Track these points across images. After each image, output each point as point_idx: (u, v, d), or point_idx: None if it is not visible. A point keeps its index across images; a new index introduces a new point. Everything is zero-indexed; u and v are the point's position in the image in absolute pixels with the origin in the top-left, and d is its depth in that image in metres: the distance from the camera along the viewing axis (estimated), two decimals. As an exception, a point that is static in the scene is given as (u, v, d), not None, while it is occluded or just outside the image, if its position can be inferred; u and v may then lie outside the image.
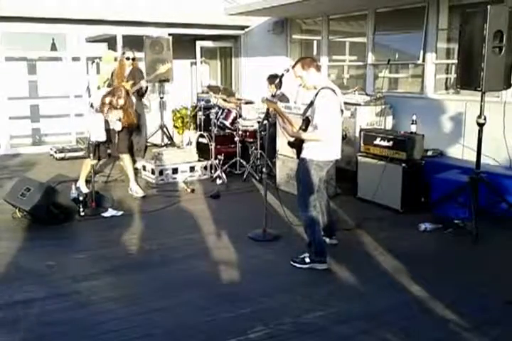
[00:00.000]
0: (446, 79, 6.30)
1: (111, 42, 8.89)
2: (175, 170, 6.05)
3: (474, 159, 4.31)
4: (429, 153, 5.50)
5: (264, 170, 4.43)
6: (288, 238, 4.15)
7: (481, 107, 4.15)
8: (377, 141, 5.09)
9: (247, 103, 6.75)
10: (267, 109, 4.20)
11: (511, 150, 4.81)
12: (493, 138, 4.77)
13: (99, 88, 8.15)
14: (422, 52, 6.09)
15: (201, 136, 6.69)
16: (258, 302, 3.03)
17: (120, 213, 4.77)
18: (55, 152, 7.42)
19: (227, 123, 6.39)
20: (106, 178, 6.05)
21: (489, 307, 3.00)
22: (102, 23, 7.89)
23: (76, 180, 5.74)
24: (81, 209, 4.64)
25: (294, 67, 3.64)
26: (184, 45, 8.69)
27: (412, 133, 5.06)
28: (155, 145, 7.64)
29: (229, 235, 4.20)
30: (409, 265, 3.61)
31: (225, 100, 6.49)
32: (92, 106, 5.30)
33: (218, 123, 6.35)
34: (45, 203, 4.31)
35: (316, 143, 3.51)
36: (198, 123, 6.99)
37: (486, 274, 3.49)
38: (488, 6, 3.86)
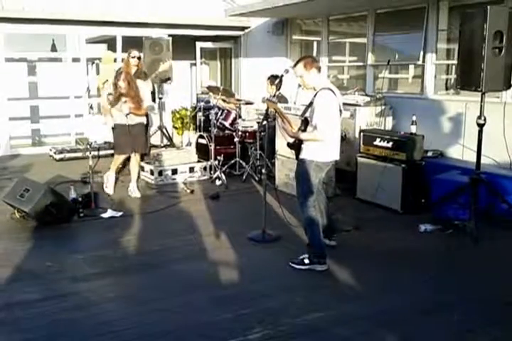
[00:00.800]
0: (447, 79, 6.29)
1: (111, 43, 8.89)
2: (174, 171, 6.05)
3: (474, 160, 4.30)
4: (429, 154, 5.49)
5: (263, 170, 4.42)
6: (287, 239, 4.14)
7: (480, 108, 4.14)
8: (377, 142, 5.08)
9: (246, 104, 6.75)
10: (267, 110, 4.20)
11: (511, 150, 4.79)
12: (493, 139, 4.76)
13: (98, 89, 8.18)
14: (422, 53, 6.08)
15: (201, 136, 6.69)
16: (257, 304, 3.02)
17: (119, 214, 4.77)
18: (55, 153, 7.41)
19: (227, 123, 6.39)
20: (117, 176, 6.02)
21: (489, 308, 2.99)
22: (101, 24, 7.89)
23: (75, 181, 5.76)
24: (80, 210, 4.63)
25: (295, 66, 3.64)
26: (184, 45, 8.68)
27: (411, 133, 5.05)
28: (154, 146, 7.62)
29: (228, 236, 4.19)
30: (409, 266, 3.60)
31: (224, 101, 6.49)
32: (91, 107, 5.30)
33: (218, 123, 6.34)
34: (44, 204, 4.30)
35: (314, 144, 3.50)
36: (198, 123, 6.99)
37: (486, 275, 3.47)
38: (488, 7, 3.86)
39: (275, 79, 6.24)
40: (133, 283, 3.36)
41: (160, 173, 5.97)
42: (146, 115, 5.57)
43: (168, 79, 7.47)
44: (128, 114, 5.11)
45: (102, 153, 7.09)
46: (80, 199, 4.73)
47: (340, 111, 3.60)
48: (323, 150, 3.52)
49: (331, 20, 7.63)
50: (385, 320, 2.85)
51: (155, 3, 8.14)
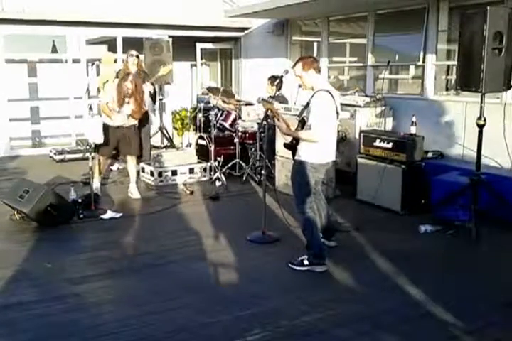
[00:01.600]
0: (447, 80, 6.29)
1: (111, 44, 8.89)
2: (174, 172, 6.04)
3: (474, 161, 4.29)
4: (429, 155, 5.47)
5: (263, 171, 4.42)
6: (287, 240, 4.14)
7: (480, 108, 4.13)
8: (377, 143, 5.07)
9: (246, 104, 6.74)
10: (266, 111, 4.20)
11: (511, 151, 4.78)
12: (494, 140, 4.75)
13: (99, 90, 8.17)
14: (422, 54, 6.08)
15: (201, 137, 6.68)
16: (256, 305, 3.02)
17: (119, 215, 4.76)
18: (55, 154, 7.42)
19: (227, 124, 6.38)
20: (105, 180, 6.03)
21: (489, 309, 2.98)
22: (102, 25, 7.90)
23: (75, 182, 5.75)
24: (80, 211, 4.62)
25: (294, 66, 3.64)
26: (184, 46, 8.69)
27: (411, 134, 5.05)
28: (154, 146, 7.63)
29: (228, 237, 4.19)
30: (409, 267, 3.59)
31: (224, 102, 6.49)
32: (91, 108, 5.29)
33: (218, 124, 6.34)
34: (43, 205, 4.29)
35: (309, 145, 3.49)
36: (198, 124, 6.99)
37: (486, 276, 3.47)
38: (488, 7, 3.85)
39: (275, 80, 6.25)
40: (132, 284, 3.36)
41: (160, 174, 5.97)
42: (145, 116, 5.58)
43: (168, 83, 7.48)
44: (129, 115, 5.12)
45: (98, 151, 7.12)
46: (79, 200, 4.73)
47: (337, 113, 3.58)
48: (318, 151, 3.51)
49: (331, 21, 7.63)
50: (384, 321, 2.84)
51: (155, 4, 8.14)
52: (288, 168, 5.51)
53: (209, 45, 9.50)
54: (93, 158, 5.00)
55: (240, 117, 6.46)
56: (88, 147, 5.05)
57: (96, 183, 5.28)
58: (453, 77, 6.00)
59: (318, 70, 3.65)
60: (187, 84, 10.00)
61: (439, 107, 5.82)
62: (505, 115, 4.60)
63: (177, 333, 2.72)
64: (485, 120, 4.15)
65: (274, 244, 4.07)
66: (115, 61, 7.96)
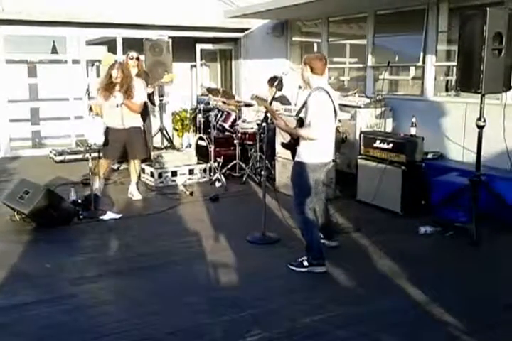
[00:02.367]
0: (447, 81, 6.29)
1: (111, 45, 8.89)
2: (174, 173, 6.04)
3: (474, 161, 4.29)
4: (429, 156, 5.48)
5: (263, 172, 4.42)
6: (287, 241, 4.13)
7: (480, 109, 4.13)
8: (377, 144, 5.07)
9: (246, 105, 6.75)
10: (266, 112, 4.20)
11: (511, 152, 4.78)
12: (494, 141, 4.75)
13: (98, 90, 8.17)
14: (421, 55, 6.08)
15: (200, 138, 6.68)
16: (256, 306, 3.01)
17: (119, 216, 4.76)
18: (55, 155, 7.41)
19: (227, 125, 6.38)
20: (105, 181, 6.03)
21: (489, 310, 2.98)
22: (102, 26, 7.90)
23: (75, 183, 5.75)
24: (80, 212, 4.62)
25: (307, 59, 3.60)
26: (184, 47, 8.69)
27: (411, 135, 5.05)
28: (155, 147, 7.63)
29: (228, 238, 4.19)
30: (409, 268, 3.59)
31: (224, 102, 6.49)
32: (91, 109, 5.28)
33: (217, 125, 6.34)
34: (43, 206, 4.29)
35: (309, 146, 3.49)
36: (198, 125, 6.98)
37: (486, 277, 3.47)
38: (488, 8, 3.85)
39: (274, 81, 6.27)
40: (132, 284, 3.35)
41: (160, 175, 5.97)
42: (144, 118, 5.53)
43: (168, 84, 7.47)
44: (121, 104, 4.96)
45: (101, 155, 7.11)
46: (79, 201, 4.73)
47: (335, 112, 3.56)
48: (316, 151, 3.51)
49: (330, 22, 7.64)
50: (385, 322, 2.84)
51: (155, 5, 8.14)
52: (288, 168, 5.51)
53: (209, 46, 9.50)
54: (93, 158, 4.99)
55: (239, 118, 6.46)
56: (88, 148, 5.05)
57: (96, 184, 5.23)
58: (453, 77, 6.00)
59: (321, 70, 3.55)
60: (187, 85, 9.99)
61: (439, 108, 5.82)
62: (505, 116, 4.61)
63: (177, 334, 2.72)
64: (485, 121, 4.15)
65: (274, 244, 4.07)
66: (115, 62, 7.95)
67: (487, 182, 4.25)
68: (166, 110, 8.52)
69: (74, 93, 8.08)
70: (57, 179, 6.05)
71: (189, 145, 7.83)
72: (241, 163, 6.27)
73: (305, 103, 3.51)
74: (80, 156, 7.26)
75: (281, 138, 3.95)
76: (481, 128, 4.17)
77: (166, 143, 7.81)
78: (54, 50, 10.54)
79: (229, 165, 6.22)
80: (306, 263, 3.54)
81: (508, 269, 3.63)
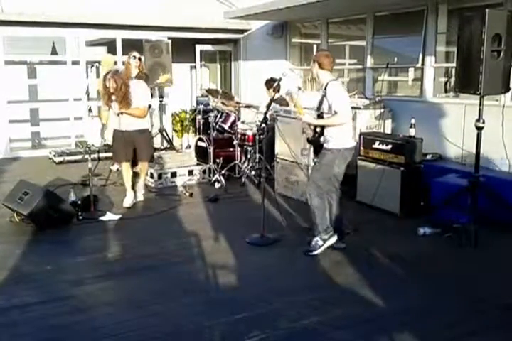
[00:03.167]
0: (446, 82, 6.30)
1: (110, 45, 8.90)
2: (174, 174, 6.04)
3: (473, 163, 4.30)
4: (428, 157, 5.48)
5: (262, 173, 4.42)
6: (286, 242, 4.14)
7: (479, 111, 4.14)
8: (376, 145, 5.08)
9: (246, 106, 6.75)
10: (265, 113, 4.21)
11: (510, 153, 4.79)
12: (492, 142, 4.76)
13: (98, 92, 8.17)
14: (421, 56, 6.09)
15: (200, 139, 6.69)
16: (255, 307, 3.02)
17: (118, 217, 4.76)
18: (55, 156, 7.41)
19: (226, 126, 6.39)
20: (104, 182, 6.04)
21: (488, 312, 2.98)
22: (101, 27, 7.91)
23: (75, 184, 5.75)
24: (79, 213, 4.62)
25: (315, 56, 3.87)
26: (184, 48, 8.70)
27: (410, 136, 5.05)
28: (154, 148, 7.63)
29: (227, 239, 4.19)
30: (408, 270, 3.60)
31: (223, 103, 6.49)
32: (90, 110, 5.28)
33: (217, 126, 6.35)
34: (43, 207, 4.29)
35: (337, 132, 3.73)
36: (197, 126, 6.99)
37: (485, 278, 3.47)
38: (487, 10, 3.85)
39: (272, 83, 6.30)
40: (132, 286, 3.36)
41: (159, 176, 5.97)
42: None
43: (167, 85, 7.48)
44: (121, 114, 4.93)
45: (101, 155, 7.12)
46: (79, 202, 4.72)
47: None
48: (345, 136, 3.79)
49: (330, 23, 7.65)
50: (384, 324, 2.84)
51: (155, 6, 8.15)
52: (287, 169, 5.53)
53: (208, 47, 9.51)
54: (93, 159, 4.97)
55: (239, 119, 6.47)
56: (88, 149, 5.05)
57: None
58: (452, 79, 6.01)
59: (329, 66, 3.82)
60: (186, 86, 10.00)
61: (438, 109, 5.83)
62: (504, 117, 4.62)
63: (176, 335, 2.73)
64: (484, 122, 4.16)
65: (273, 246, 4.07)
66: (115, 63, 7.96)
67: (486, 184, 4.25)
68: (166, 111, 8.52)
69: (73, 94, 8.10)
70: (56, 180, 6.05)
71: (189, 146, 7.84)
72: (240, 164, 6.28)
73: (323, 96, 3.75)
74: (79, 157, 7.27)
75: (305, 134, 4.14)
76: (479, 129, 4.18)
77: (165, 144, 7.82)
78: (54, 51, 10.52)
79: (228, 166, 6.23)
80: (320, 242, 3.80)
81: (507, 270, 3.63)
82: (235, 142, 6.26)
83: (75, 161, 7.23)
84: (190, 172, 6.16)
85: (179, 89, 8.85)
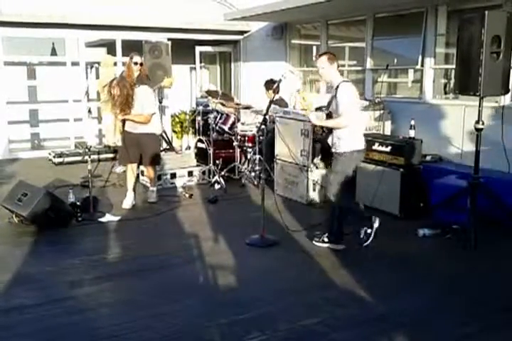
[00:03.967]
0: (445, 84, 6.30)
1: (110, 46, 8.90)
2: (173, 175, 6.04)
3: (473, 164, 4.30)
4: (428, 158, 5.49)
5: (262, 175, 4.42)
6: (286, 243, 4.13)
7: (479, 112, 4.14)
8: (376, 146, 5.08)
9: (245, 108, 6.75)
10: (265, 115, 4.21)
11: (509, 154, 4.79)
12: (492, 143, 4.76)
13: (98, 93, 8.17)
14: (420, 57, 6.10)
15: (200, 140, 6.69)
16: (255, 308, 3.02)
17: (117, 218, 4.76)
18: (54, 157, 7.41)
19: (226, 128, 6.38)
20: (104, 183, 6.03)
21: (488, 313, 2.98)
22: (101, 28, 7.91)
23: (74, 185, 5.74)
24: (79, 214, 4.61)
25: (319, 57, 3.92)
26: (183, 49, 8.70)
27: (410, 138, 5.06)
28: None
29: (227, 240, 4.19)
30: (408, 271, 3.60)
31: (223, 105, 6.50)
32: (89, 111, 5.27)
33: (217, 128, 6.34)
34: (42, 208, 4.29)
35: (347, 135, 3.78)
36: (197, 128, 6.99)
37: (485, 280, 3.47)
38: (486, 12, 3.86)
39: (271, 85, 6.30)
40: (131, 287, 3.35)
41: (159, 177, 5.96)
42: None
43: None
44: (124, 120, 4.95)
45: (101, 157, 7.13)
46: (78, 203, 4.72)
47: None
48: (356, 138, 3.84)
49: (329, 25, 7.66)
50: (383, 325, 2.84)
51: (155, 7, 8.16)
52: (287, 171, 5.53)
53: (208, 48, 9.52)
54: (92, 160, 4.96)
55: (238, 120, 6.46)
56: (88, 150, 5.05)
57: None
58: (452, 80, 6.02)
59: (334, 63, 3.89)
60: (186, 87, 10.01)
61: (438, 111, 5.84)
62: (504, 118, 4.62)
63: (176, 336, 2.72)
64: (483, 124, 4.16)
65: (273, 247, 4.07)
66: (115, 64, 7.97)
67: (485, 185, 4.25)
68: (166, 112, 8.52)
69: (73, 95, 8.09)
70: (56, 181, 6.05)
71: (188, 148, 7.83)
72: (240, 165, 6.27)
73: (334, 96, 3.79)
74: (79, 158, 7.26)
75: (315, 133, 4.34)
76: (479, 130, 4.18)
77: (165, 145, 7.81)
78: (53, 52, 10.53)
79: (228, 168, 6.22)
80: (326, 239, 3.94)
81: (507, 271, 3.63)
82: (234, 143, 6.26)
83: (75, 162, 7.23)
84: (190, 174, 6.16)
85: (179, 90, 8.85)
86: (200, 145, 6.66)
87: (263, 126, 4.23)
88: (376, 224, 3.98)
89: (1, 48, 7.60)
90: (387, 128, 6.14)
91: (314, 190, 5.30)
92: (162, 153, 6.85)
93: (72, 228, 4.50)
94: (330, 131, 3.90)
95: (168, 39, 7.89)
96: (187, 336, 2.73)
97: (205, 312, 2.97)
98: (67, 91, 8.09)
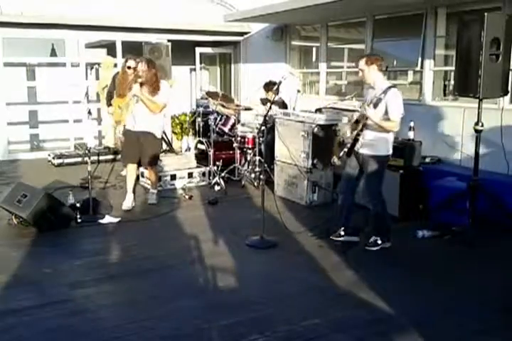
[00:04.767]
0: (445, 85, 6.31)
1: (110, 48, 8.91)
2: (173, 177, 6.04)
3: (472, 166, 4.31)
4: (427, 160, 5.48)
5: (262, 176, 4.42)
6: (285, 245, 4.14)
7: (478, 114, 4.15)
8: (376, 148, 5.07)
9: (245, 109, 6.76)
10: (265, 116, 4.22)
11: (509, 156, 4.80)
12: (491, 145, 4.77)
13: (98, 94, 8.18)
14: (420, 59, 6.11)
15: (200, 142, 6.69)
16: (254, 310, 3.02)
17: (117, 220, 4.75)
18: (53, 158, 7.40)
19: (226, 129, 6.39)
20: (104, 184, 6.03)
21: (488, 315, 2.98)
22: (101, 29, 7.91)
23: (74, 187, 5.74)
24: (78, 216, 4.61)
25: (359, 60, 3.95)
26: (183, 51, 8.71)
27: (409, 140, 5.06)
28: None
29: (226, 242, 4.19)
30: (407, 272, 3.60)
31: (223, 106, 6.50)
32: (89, 112, 5.25)
33: (217, 129, 6.35)
34: (41, 209, 4.29)
35: (384, 140, 3.90)
36: (197, 129, 6.99)
37: (484, 281, 3.47)
38: (486, 14, 3.87)
39: (270, 86, 6.32)
40: (131, 288, 3.35)
41: (159, 179, 5.95)
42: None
43: None
44: (136, 97, 4.80)
45: (101, 158, 7.12)
46: (78, 204, 4.71)
47: None
48: (389, 144, 3.96)
49: (329, 26, 7.67)
50: (383, 327, 2.84)
51: (155, 8, 8.16)
52: (287, 172, 5.53)
53: (208, 50, 9.53)
54: (92, 162, 4.95)
55: (239, 122, 6.47)
56: (88, 151, 5.04)
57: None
58: (451, 82, 6.03)
59: (381, 69, 3.93)
60: (186, 88, 10.01)
61: (437, 112, 5.84)
62: (503, 120, 4.63)
63: (176, 338, 2.72)
64: (482, 125, 4.17)
65: (273, 248, 4.07)
66: (115, 65, 7.97)
67: (485, 187, 4.26)
68: (166, 113, 8.52)
69: (73, 96, 8.09)
70: (55, 182, 6.04)
71: (188, 149, 7.84)
72: (240, 166, 6.28)
73: (379, 99, 3.82)
74: (78, 160, 7.26)
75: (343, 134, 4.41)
76: (478, 132, 4.19)
77: (165, 146, 7.81)
78: (53, 53, 10.53)
79: (228, 169, 6.23)
80: (379, 241, 3.99)
81: (507, 273, 3.63)
82: (234, 145, 6.27)
83: (74, 164, 7.22)
84: (190, 175, 6.16)
85: (179, 91, 8.85)
86: (200, 146, 6.66)
87: (263, 127, 4.24)
88: (387, 245, 4.04)
89: (1, 49, 7.60)
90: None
91: (314, 191, 5.30)
92: (162, 155, 6.86)
93: (71, 229, 4.50)
94: (358, 134, 3.93)
95: (168, 40, 7.89)
96: (187, 337, 2.73)
97: (205, 314, 2.96)
98: (67, 92, 8.09)
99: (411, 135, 5.10)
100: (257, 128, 6.11)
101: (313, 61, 8.29)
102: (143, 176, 6.17)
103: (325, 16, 7.35)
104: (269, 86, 6.42)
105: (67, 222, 4.53)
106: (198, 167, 6.32)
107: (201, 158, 6.49)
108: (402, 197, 4.77)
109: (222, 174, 6.12)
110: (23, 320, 2.88)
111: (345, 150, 3.98)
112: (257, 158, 6.02)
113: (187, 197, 5.58)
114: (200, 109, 6.91)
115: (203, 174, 6.24)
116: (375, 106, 3.82)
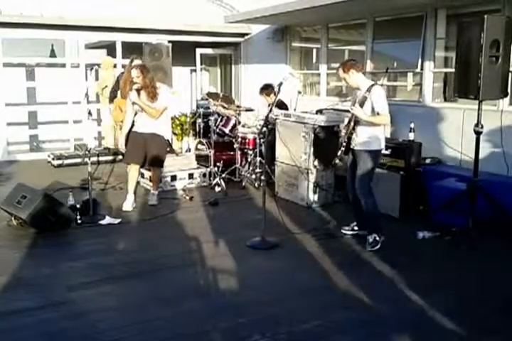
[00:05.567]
0: (444, 87, 6.32)
1: (110, 48, 8.91)
2: (173, 178, 6.04)
3: (472, 167, 4.31)
4: (427, 161, 5.49)
5: (262, 177, 4.43)
6: (286, 246, 4.14)
7: (478, 116, 4.16)
8: (376, 149, 5.08)
9: (246, 110, 6.76)
10: (266, 116, 4.22)
11: (508, 157, 4.81)
12: (491, 146, 4.78)
13: (97, 95, 8.18)
14: (420, 61, 6.12)
15: (200, 143, 6.69)
16: (256, 311, 3.01)
17: (117, 221, 4.75)
18: (53, 159, 7.40)
19: (227, 130, 6.39)
20: (104, 185, 6.03)
21: (488, 315, 2.98)
22: (101, 30, 7.92)
23: (74, 188, 5.74)
24: (78, 217, 4.61)
25: (337, 70, 4.16)
26: (184, 52, 8.71)
27: (410, 141, 5.07)
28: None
29: (227, 243, 4.19)
30: (407, 273, 3.60)
31: (224, 107, 6.50)
32: (89, 113, 5.25)
33: (217, 130, 6.35)
34: (41, 211, 4.28)
35: (374, 135, 4.00)
36: (198, 130, 6.99)
37: (484, 282, 3.47)
38: (485, 16, 3.88)
39: (266, 90, 6.31)
40: (131, 290, 3.35)
41: (159, 180, 5.95)
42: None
43: None
44: (137, 90, 4.85)
45: (101, 159, 7.12)
46: (78, 205, 4.71)
47: None
48: (380, 138, 4.05)
49: (330, 28, 7.68)
50: (383, 328, 2.84)
51: (155, 9, 8.17)
52: (287, 173, 5.54)
53: (209, 51, 9.53)
54: (92, 163, 4.96)
55: (239, 123, 6.47)
56: (88, 152, 5.04)
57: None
58: (451, 84, 6.03)
59: (358, 70, 4.07)
60: (187, 89, 10.01)
61: (437, 114, 5.85)
62: (502, 122, 4.64)
63: (176, 340, 2.72)
64: (482, 127, 4.18)
65: (274, 249, 4.07)
66: (114, 66, 7.98)
67: (485, 188, 4.26)
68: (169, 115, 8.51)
69: (72, 97, 8.09)
70: (55, 183, 6.04)
71: (189, 150, 7.84)
72: (241, 167, 6.28)
73: (365, 97, 3.96)
74: (78, 160, 7.26)
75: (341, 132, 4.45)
76: (478, 134, 4.20)
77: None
78: (53, 54, 10.53)
79: (229, 170, 6.23)
80: (378, 238, 4.06)
81: (506, 273, 3.64)
82: (235, 146, 6.27)
83: (74, 164, 7.21)
84: (191, 176, 6.16)
85: (179, 92, 8.85)
86: (200, 147, 6.66)
87: (264, 129, 4.24)
88: (382, 239, 4.11)
89: (1, 49, 7.60)
90: (387, 131, 6.14)
91: (315, 192, 5.30)
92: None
93: (71, 231, 4.49)
94: (351, 133, 4.08)
95: (169, 41, 7.90)
96: (188, 339, 2.73)
97: (206, 315, 2.96)
98: (67, 93, 8.09)
99: (411, 136, 5.11)
100: (257, 129, 6.12)
101: (314, 62, 8.29)
102: (143, 177, 6.17)
103: (325, 18, 7.36)
104: (264, 89, 6.39)
105: (67, 223, 4.52)
106: (198, 168, 6.32)
107: (202, 159, 6.49)
108: (403, 198, 4.78)
109: (223, 175, 6.12)
110: (23, 322, 2.88)
111: (342, 149, 4.11)
112: (258, 158, 6.02)
113: (187, 198, 5.58)
114: (201, 110, 6.92)
115: (204, 175, 6.24)
116: (362, 104, 3.97)
